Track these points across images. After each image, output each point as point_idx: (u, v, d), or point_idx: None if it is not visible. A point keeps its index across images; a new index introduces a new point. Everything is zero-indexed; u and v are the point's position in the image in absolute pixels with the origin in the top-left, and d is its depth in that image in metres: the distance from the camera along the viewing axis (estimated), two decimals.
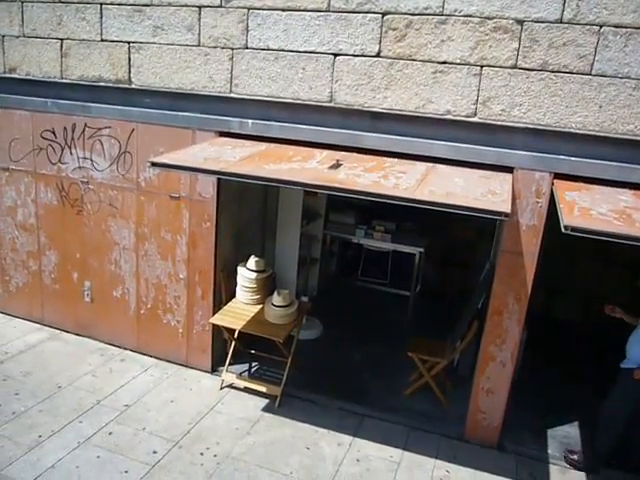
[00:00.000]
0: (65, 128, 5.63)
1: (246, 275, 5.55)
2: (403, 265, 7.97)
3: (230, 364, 5.53)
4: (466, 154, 4.33)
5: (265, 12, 4.60)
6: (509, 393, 4.73)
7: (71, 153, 5.68)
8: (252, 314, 5.41)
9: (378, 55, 4.39)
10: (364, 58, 4.43)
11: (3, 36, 5.62)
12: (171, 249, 5.51)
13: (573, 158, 4.09)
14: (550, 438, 5.04)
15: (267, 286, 5.70)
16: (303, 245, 7.00)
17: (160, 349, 5.85)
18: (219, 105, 4.95)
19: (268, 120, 4.83)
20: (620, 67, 3.88)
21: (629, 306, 4.57)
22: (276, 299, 5.29)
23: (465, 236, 7.82)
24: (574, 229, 3.12)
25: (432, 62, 4.26)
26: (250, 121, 4.89)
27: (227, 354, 5.56)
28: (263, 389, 5.31)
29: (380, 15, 4.30)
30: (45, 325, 6.37)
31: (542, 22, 3.95)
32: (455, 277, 7.94)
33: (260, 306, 5.51)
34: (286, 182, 3.86)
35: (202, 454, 4.49)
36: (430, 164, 4.37)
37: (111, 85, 5.31)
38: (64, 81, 5.49)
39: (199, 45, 4.88)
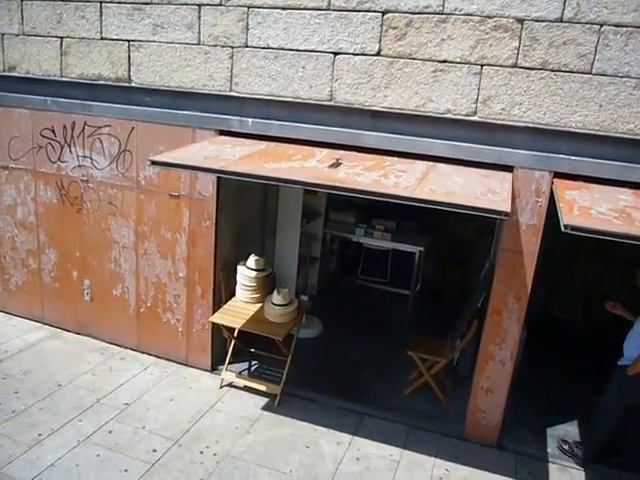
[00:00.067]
0: (65, 126, 5.63)
1: (246, 274, 5.55)
2: (403, 264, 7.97)
3: (230, 363, 5.54)
4: (466, 153, 4.33)
5: (265, 10, 4.59)
6: (509, 392, 4.74)
7: (71, 151, 5.68)
8: (252, 313, 5.41)
9: (378, 54, 4.39)
10: (364, 57, 4.42)
11: (3, 34, 5.61)
12: (171, 248, 5.51)
13: (573, 157, 4.09)
14: (550, 437, 5.05)
15: (267, 285, 5.71)
16: (303, 244, 7.00)
17: (160, 348, 5.85)
18: (219, 104, 4.95)
19: (268, 119, 4.83)
20: (620, 66, 3.88)
21: (629, 304, 4.59)
22: (276, 298, 5.29)
23: (465, 235, 7.82)
24: (574, 228, 3.12)
25: (432, 61, 4.26)
26: (250, 120, 4.88)
27: (227, 353, 5.56)
28: (263, 388, 5.32)
29: (380, 14, 4.30)
30: (45, 324, 6.37)
31: (542, 21, 3.94)
32: (455, 276, 7.94)
33: (260, 305, 5.52)
34: (286, 181, 3.86)
35: (202, 453, 4.50)
36: (430, 163, 4.37)
37: (111, 83, 5.31)
38: (64, 79, 5.48)
39: (199, 43, 4.88)
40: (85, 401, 5.04)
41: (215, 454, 4.49)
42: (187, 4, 4.81)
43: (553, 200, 3.91)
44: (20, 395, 5.05)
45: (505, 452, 4.82)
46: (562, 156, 4.12)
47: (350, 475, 4.39)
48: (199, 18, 4.81)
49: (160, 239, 5.53)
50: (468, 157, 4.33)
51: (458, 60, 4.20)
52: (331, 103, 4.60)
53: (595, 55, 3.91)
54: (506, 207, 3.41)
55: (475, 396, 4.83)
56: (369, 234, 7.85)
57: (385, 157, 4.47)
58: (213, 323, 5.40)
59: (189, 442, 4.61)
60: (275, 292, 5.33)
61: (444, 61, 4.23)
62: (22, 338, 6.07)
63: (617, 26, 3.81)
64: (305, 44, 4.55)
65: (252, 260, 5.54)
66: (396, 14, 4.26)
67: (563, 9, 3.88)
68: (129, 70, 5.21)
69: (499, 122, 4.21)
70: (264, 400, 5.27)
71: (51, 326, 6.33)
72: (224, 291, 5.63)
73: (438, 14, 4.16)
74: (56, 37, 5.39)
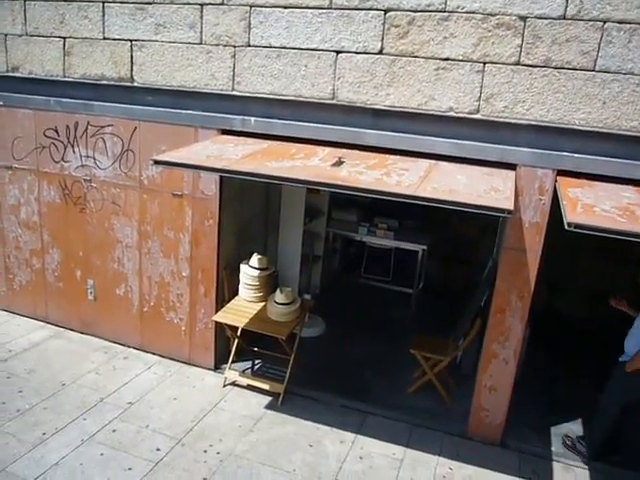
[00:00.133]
0: (68, 126, 5.64)
1: (249, 273, 5.55)
2: (406, 262, 7.98)
3: (233, 362, 5.54)
4: (469, 151, 4.32)
5: (267, 9, 4.59)
6: (512, 390, 4.73)
7: (74, 151, 5.69)
8: (255, 312, 5.41)
9: (380, 52, 4.38)
10: (366, 55, 4.42)
11: (6, 35, 5.62)
12: (174, 247, 5.52)
13: (576, 155, 4.08)
14: (553, 435, 5.04)
15: (270, 284, 5.71)
16: (306, 243, 7.00)
17: (163, 347, 5.86)
18: (221, 103, 4.95)
19: (270, 118, 4.83)
20: (624, 63, 3.86)
21: (632, 301, 4.59)
22: (279, 297, 5.29)
23: (468, 233, 7.82)
24: (577, 226, 3.11)
25: (435, 59, 4.25)
26: (252, 119, 4.88)
27: (230, 352, 5.57)
28: (266, 387, 5.32)
29: (382, 12, 4.29)
30: (49, 323, 6.38)
31: (545, 18, 3.93)
32: (458, 274, 7.93)
33: (263, 304, 5.52)
34: (288, 180, 3.86)
35: (205, 451, 4.50)
36: (432, 161, 4.36)
37: (113, 83, 5.31)
38: (67, 79, 5.49)
39: (201, 43, 4.88)
40: (89, 400, 5.05)
41: (218, 453, 4.50)
42: (189, 3, 4.81)
43: (556, 198, 3.89)
44: (24, 394, 5.06)
45: (509, 451, 4.81)
46: (565, 154, 4.10)
47: (353, 474, 4.39)
48: (201, 17, 4.81)
49: (163, 238, 5.54)
50: (471, 155, 4.32)
51: (460, 58, 4.19)
52: (333, 102, 4.60)
53: (598, 52, 3.89)
54: (509, 205, 3.40)
55: (478, 394, 4.83)
56: (372, 233, 7.86)
57: (387, 155, 4.46)
58: (216, 322, 5.40)
59: (192, 441, 4.62)
60: (278, 291, 5.33)
61: (446, 59, 4.22)
62: (26, 337, 6.09)
63: (620, 23, 3.80)
64: (307, 43, 4.55)
65: (255, 259, 5.54)
66: (398, 12, 4.25)
67: (566, 6, 3.87)
68: (132, 70, 5.22)
69: (502, 120, 4.20)
70: (267, 399, 5.28)
71: (55, 325, 6.35)
72: (227, 290, 5.64)
73: (440, 12, 4.15)
74: (59, 37, 5.40)
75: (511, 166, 4.24)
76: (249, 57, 4.76)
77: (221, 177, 5.10)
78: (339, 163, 4.13)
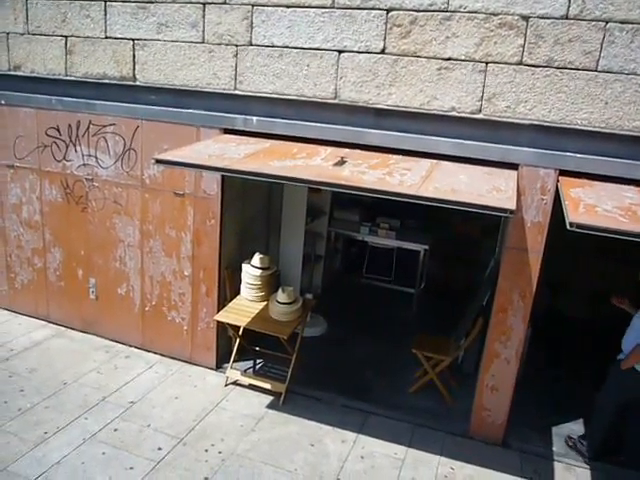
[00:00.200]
0: (70, 125, 5.64)
1: (251, 272, 5.55)
2: (408, 262, 7.97)
3: (235, 361, 5.55)
4: (471, 151, 4.32)
5: (269, 9, 4.59)
6: (514, 390, 4.73)
7: (76, 150, 5.69)
8: (256, 311, 5.41)
9: (383, 52, 4.38)
10: (369, 55, 4.41)
11: (8, 33, 5.63)
12: (176, 246, 5.52)
13: (578, 155, 4.08)
14: (555, 435, 5.04)
15: (271, 283, 5.71)
16: (307, 242, 7.01)
17: (165, 346, 5.86)
18: (223, 102, 4.95)
19: (272, 117, 4.83)
20: (626, 63, 3.86)
21: (634, 301, 4.59)
22: (280, 296, 5.29)
23: (470, 233, 7.81)
24: (579, 226, 3.11)
25: (437, 59, 4.25)
26: (254, 118, 4.89)
27: (232, 351, 5.57)
28: (268, 386, 5.32)
29: (385, 11, 4.29)
30: (50, 322, 6.39)
31: (548, 18, 3.93)
32: (460, 274, 7.92)
33: (264, 303, 5.52)
34: (291, 179, 3.86)
35: (207, 451, 4.51)
36: (435, 161, 4.36)
37: (115, 82, 5.32)
38: (69, 78, 5.50)
39: (203, 42, 4.88)
40: (90, 399, 5.05)
41: (220, 452, 4.50)
42: (191, 2, 4.81)
43: (558, 198, 3.89)
44: (26, 393, 5.07)
45: (510, 450, 4.81)
46: (567, 154, 4.10)
47: (355, 473, 4.39)
48: (203, 16, 4.81)
49: (165, 238, 5.54)
50: (473, 155, 4.32)
51: (463, 58, 4.19)
52: (335, 101, 4.60)
53: (601, 52, 3.89)
54: (511, 205, 3.40)
55: (480, 394, 4.82)
56: (374, 232, 7.86)
57: (389, 155, 4.46)
58: (218, 321, 5.40)
59: (194, 440, 4.62)
60: (280, 290, 5.33)
61: (449, 59, 4.22)
62: (28, 336, 6.09)
63: (623, 23, 3.80)
64: (309, 42, 4.55)
65: (257, 258, 5.54)
66: (400, 12, 4.25)
67: (568, 6, 3.86)
68: (134, 69, 5.22)
69: (504, 120, 4.20)
70: (269, 398, 5.28)
71: (56, 324, 6.35)
72: (229, 289, 5.64)
73: (443, 12, 4.15)
74: (61, 36, 5.40)
75: (513, 166, 4.24)
76: (251, 56, 4.76)
77: (223, 176, 5.10)
78: (341, 163, 4.13)
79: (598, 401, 4.69)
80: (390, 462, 4.54)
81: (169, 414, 4.94)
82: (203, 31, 4.85)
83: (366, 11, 4.33)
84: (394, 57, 4.35)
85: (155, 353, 5.91)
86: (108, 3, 5.11)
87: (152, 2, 4.94)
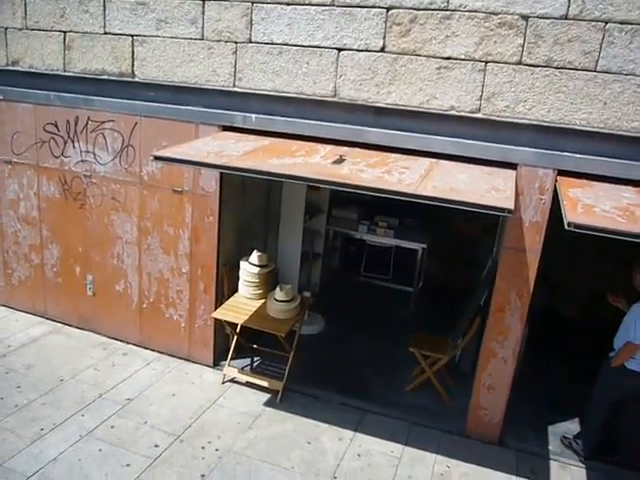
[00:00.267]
0: (68, 121, 5.63)
1: (248, 270, 5.55)
2: (406, 261, 7.97)
3: (232, 358, 5.55)
4: (470, 150, 4.32)
5: (269, 6, 4.58)
6: (510, 389, 4.74)
7: (74, 146, 5.68)
8: (254, 309, 5.41)
9: (382, 50, 4.37)
10: (368, 53, 4.41)
11: (6, 28, 5.60)
12: (174, 243, 5.51)
13: (577, 155, 4.08)
14: (551, 434, 5.06)
15: (269, 281, 5.71)
16: (306, 240, 7.00)
17: (162, 343, 5.86)
18: (222, 99, 4.94)
19: (272, 114, 4.82)
20: (625, 64, 3.86)
21: (630, 300, 4.60)
22: (278, 294, 5.29)
23: (468, 232, 7.81)
24: (577, 226, 3.12)
25: (436, 57, 4.24)
26: (253, 115, 4.88)
27: (229, 348, 5.57)
28: (265, 384, 5.32)
29: (385, 10, 4.28)
30: (48, 318, 6.38)
31: (547, 18, 3.93)
32: (458, 273, 7.92)
33: (262, 301, 5.52)
34: (289, 177, 3.86)
35: (204, 448, 4.51)
36: (433, 160, 4.36)
37: (114, 78, 5.30)
38: (67, 74, 5.48)
39: (203, 39, 4.87)
40: (87, 396, 5.05)
41: (217, 449, 4.50)
42: None
43: (557, 198, 3.90)
44: (23, 389, 5.06)
45: (507, 449, 4.82)
46: (566, 154, 4.11)
47: (352, 471, 4.40)
48: (203, 13, 4.80)
49: (163, 235, 5.53)
50: (472, 154, 4.32)
51: (462, 57, 4.18)
52: (335, 99, 4.60)
53: (600, 53, 3.89)
54: (509, 204, 3.40)
55: (477, 393, 4.83)
56: (372, 231, 7.86)
57: (389, 154, 4.46)
58: (215, 319, 5.41)
59: (191, 437, 4.62)
60: (278, 288, 5.33)
61: (448, 58, 4.22)
62: (25, 333, 6.09)
63: (622, 23, 3.80)
64: (309, 40, 4.54)
65: (255, 256, 5.54)
66: (400, 10, 4.25)
67: (568, 6, 3.87)
68: (132, 65, 5.20)
69: (503, 119, 4.20)
70: (266, 396, 5.28)
71: (54, 321, 6.34)
72: (227, 287, 5.64)
73: (443, 10, 4.14)
74: (59, 31, 5.38)
75: (512, 165, 4.24)
76: (251, 53, 4.75)
77: (221, 174, 5.09)
78: (340, 161, 4.13)
79: (591, 399, 4.71)
80: (387, 460, 4.55)
81: (166, 411, 4.94)
82: (202, 28, 4.84)
83: (366, 9, 4.33)
84: (394, 55, 4.35)
85: (153, 350, 5.90)
86: None
87: None
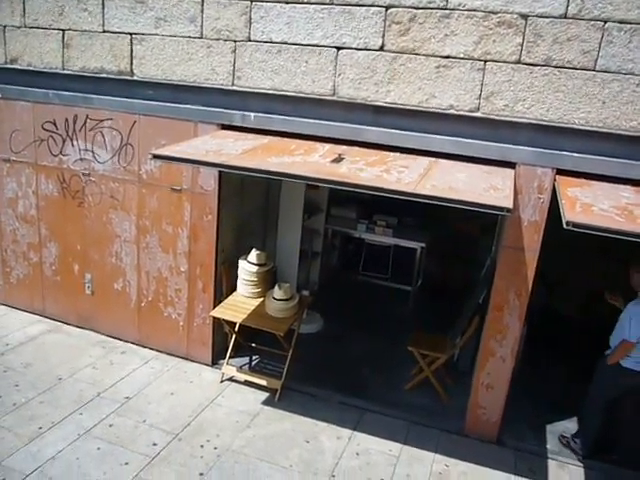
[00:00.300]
0: (66, 119, 5.62)
1: (247, 268, 5.55)
2: (404, 260, 7.97)
3: (231, 357, 5.54)
4: (469, 149, 4.32)
5: (268, 4, 4.57)
6: (509, 388, 4.74)
7: (72, 145, 5.67)
8: (253, 307, 5.41)
9: (381, 49, 4.37)
10: (367, 52, 4.41)
11: (4, 26, 5.59)
12: (172, 242, 5.51)
13: (576, 154, 4.08)
14: (549, 433, 5.06)
15: (268, 280, 5.71)
16: (304, 239, 7.00)
17: (161, 342, 5.85)
18: (221, 98, 4.94)
19: (270, 113, 4.82)
20: (624, 63, 3.87)
21: (627, 299, 4.61)
22: (277, 293, 5.29)
23: (467, 231, 7.81)
24: (576, 225, 3.12)
25: (435, 56, 4.24)
26: (252, 114, 4.87)
27: (228, 347, 5.57)
28: (263, 382, 5.32)
29: (384, 8, 4.28)
30: (46, 317, 6.37)
31: (546, 17, 3.93)
32: (456, 272, 7.92)
33: (261, 299, 5.52)
34: (288, 175, 3.86)
35: (202, 446, 4.51)
36: (432, 159, 4.36)
37: (113, 77, 5.29)
38: (66, 72, 5.47)
39: (202, 37, 4.86)
40: (86, 394, 5.05)
41: (215, 448, 4.50)
42: None
43: (555, 197, 3.90)
44: (21, 388, 5.06)
45: (505, 448, 4.83)
46: (565, 153, 4.11)
47: (350, 470, 4.40)
48: (202, 11, 4.80)
49: (162, 233, 5.53)
50: (471, 153, 4.32)
51: (461, 56, 4.18)
52: (334, 98, 4.59)
53: (599, 52, 3.89)
54: (508, 203, 3.41)
55: (475, 392, 4.84)
56: (371, 230, 7.86)
57: (387, 153, 4.46)
58: (214, 317, 5.41)
59: (190, 436, 4.62)
60: (276, 287, 5.33)
61: (447, 57, 4.22)
62: (23, 331, 6.08)
63: (621, 23, 3.80)
64: (308, 38, 4.54)
65: (253, 255, 5.54)
66: (399, 9, 4.24)
67: (567, 5, 3.86)
68: (131, 63, 5.20)
69: (502, 118, 4.20)
70: (265, 395, 5.28)
71: (52, 319, 6.34)
72: (225, 285, 5.64)
73: (442, 9, 4.14)
74: (58, 30, 5.37)
75: (511, 164, 4.25)
76: (250, 52, 4.75)
77: (220, 172, 5.09)
78: (339, 159, 4.13)
79: (587, 398, 4.73)
80: (385, 459, 4.55)
81: (165, 410, 4.94)
82: (201, 26, 4.83)
83: (365, 8, 4.32)
84: (393, 54, 4.35)
85: (151, 349, 5.90)
86: None
87: None
